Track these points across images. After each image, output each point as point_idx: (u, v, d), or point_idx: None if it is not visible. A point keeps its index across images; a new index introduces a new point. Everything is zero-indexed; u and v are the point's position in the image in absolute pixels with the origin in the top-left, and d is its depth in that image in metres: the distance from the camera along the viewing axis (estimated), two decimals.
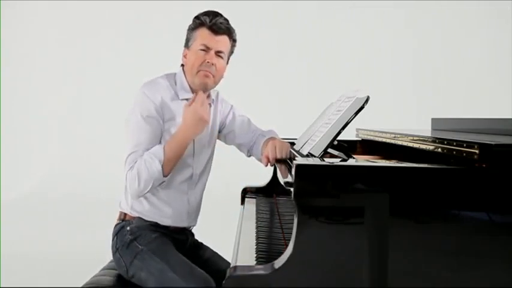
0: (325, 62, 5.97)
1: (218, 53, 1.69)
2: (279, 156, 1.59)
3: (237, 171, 4.86)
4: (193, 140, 1.72)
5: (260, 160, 1.81)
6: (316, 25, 6.09)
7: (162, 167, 1.59)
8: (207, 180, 1.84)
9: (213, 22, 1.67)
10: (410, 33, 6.01)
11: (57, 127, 6.24)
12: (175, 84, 1.74)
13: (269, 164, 1.63)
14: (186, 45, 1.74)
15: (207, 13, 1.70)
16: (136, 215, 1.70)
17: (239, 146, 1.92)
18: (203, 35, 1.68)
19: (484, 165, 1.12)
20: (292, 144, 1.90)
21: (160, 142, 1.66)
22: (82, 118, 6.23)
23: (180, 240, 1.76)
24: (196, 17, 1.72)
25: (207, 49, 1.67)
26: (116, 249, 1.68)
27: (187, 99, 1.71)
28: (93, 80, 6.25)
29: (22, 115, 6.24)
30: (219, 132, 1.88)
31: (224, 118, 1.88)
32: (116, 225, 1.73)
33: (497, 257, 1.13)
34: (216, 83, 1.74)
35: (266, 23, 6.01)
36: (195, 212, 1.80)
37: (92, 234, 3.97)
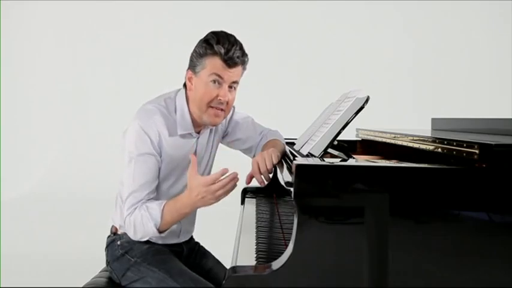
0: (325, 62, 5.98)
1: (231, 85, 1.52)
2: (263, 170, 1.44)
3: (237, 171, 4.81)
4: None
5: None
6: (316, 25, 6.10)
7: (158, 229, 1.46)
8: None
9: (229, 56, 1.46)
10: (410, 33, 6.02)
11: (58, 127, 6.25)
12: (175, 112, 1.56)
13: (263, 179, 1.45)
14: (193, 70, 1.52)
15: (221, 40, 1.47)
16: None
17: (245, 151, 1.80)
18: (215, 66, 1.47)
19: (484, 165, 1.12)
20: (292, 144, 1.90)
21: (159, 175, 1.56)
22: (82, 118, 6.24)
23: (175, 252, 1.66)
24: (208, 43, 1.48)
25: (219, 80, 1.48)
26: (107, 262, 1.67)
27: (189, 134, 1.59)
28: (93, 80, 6.26)
29: (22, 115, 6.25)
30: (222, 138, 1.79)
31: (225, 127, 1.77)
32: (108, 237, 1.68)
33: (497, 257, 1.13)
34: (225, 117, 1.62)
35: (266, 23, 6.01)
36: (188, 229, 1.74)
37: (91, 234, 3.96)
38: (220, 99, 1.50)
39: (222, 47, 1.46)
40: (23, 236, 4.06)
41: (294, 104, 5.83)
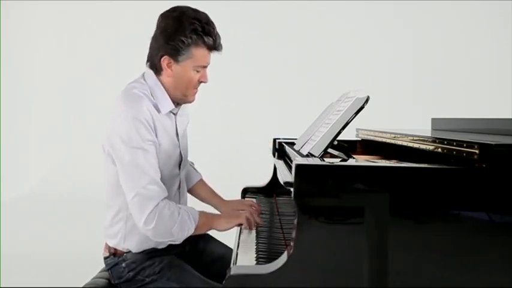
0: (325, 62, 5.97)
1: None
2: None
3: (237, 171, 4.90)
4: (180, 150, 1.64)
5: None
6: (315, 25, 6.09)
7: (193, 230, 1.49)
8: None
9: (216, 46, 1.51)
10: (410, 33, 6.01)
11: (58, 127, 6.24)
12: (152, 95, 1.54)
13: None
14: (173, 57, 1.50)
15: (206, 29, 1.48)
16: (129, 249, 1.57)
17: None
18: (202, 57, 1.50)
19: (484, 165, 1.12)
20: (292, 144, 1.90)
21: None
22: (82, 118, 6.23)
23: (179, 255, 1.66)
24: (196, 33, 1.47)
25: (202, 69, 1.54)
26: (114, 282, 1.60)
27: (171, 112, 1.59)
28: (93, 80, 6.25)
29: (22, 115, 6.24)
30: None
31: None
32: (106, 258, 1.62)
33: (497, 257, 1.13)
34: None
35: (266, 23, 6.00)
36: None
37: (91, 234, 3.96)
38: (203, 82, 1.57)
39: (211, 38, 1.49)
40: (23, 236, 4.06)
41: (294, 104, 5.83)
